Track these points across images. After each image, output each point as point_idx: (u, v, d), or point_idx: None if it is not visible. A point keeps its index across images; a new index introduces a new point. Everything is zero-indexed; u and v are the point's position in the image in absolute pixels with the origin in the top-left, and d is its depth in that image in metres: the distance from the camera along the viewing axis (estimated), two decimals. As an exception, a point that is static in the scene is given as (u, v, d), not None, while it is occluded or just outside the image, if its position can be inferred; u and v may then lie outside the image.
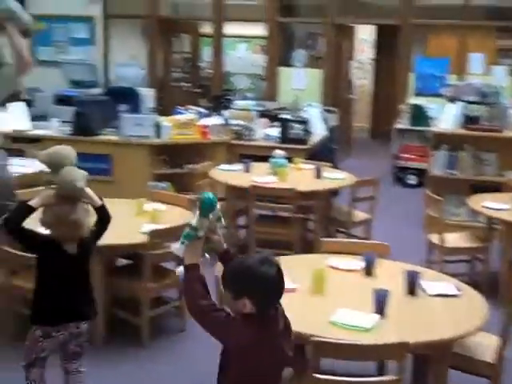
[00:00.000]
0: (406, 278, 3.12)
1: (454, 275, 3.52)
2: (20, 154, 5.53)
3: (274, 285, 2.15)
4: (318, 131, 7.66)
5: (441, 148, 6.64)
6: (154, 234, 3.85)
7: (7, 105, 6.36)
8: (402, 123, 8.85)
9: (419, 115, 8.62)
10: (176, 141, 6.64)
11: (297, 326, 2.63)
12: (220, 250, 2.37)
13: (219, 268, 2.45)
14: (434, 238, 5.00)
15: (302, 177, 5.70)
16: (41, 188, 3.52)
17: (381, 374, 3.37)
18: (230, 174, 5.73)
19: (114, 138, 6.65)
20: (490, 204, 4.99)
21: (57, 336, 2.89)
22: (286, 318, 2.25)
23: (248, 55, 11.96)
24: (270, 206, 5.37)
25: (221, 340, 2.18)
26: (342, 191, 6.20)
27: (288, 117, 7.25)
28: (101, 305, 3.94)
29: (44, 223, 2.85)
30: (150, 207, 4.42)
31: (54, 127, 6.81)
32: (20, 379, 2.97)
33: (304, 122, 7.00)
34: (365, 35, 13.36)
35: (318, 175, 5.63)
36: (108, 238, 3.12)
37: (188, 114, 7.29)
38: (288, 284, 3.03)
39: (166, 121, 6.76)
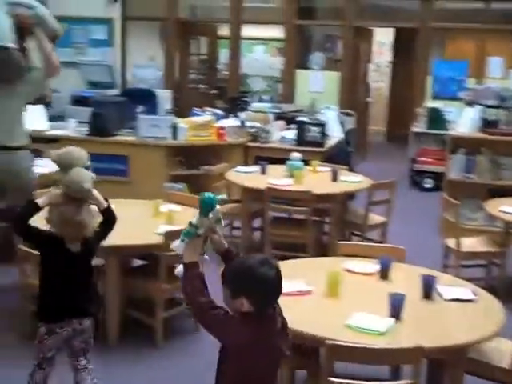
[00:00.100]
0: (422, 282, 3.10)
1: (470, 280, 3.50)
2: (38, 154, 5.56)
3: (273, 286, 2.17)
4: (335, 134, 7.65)
5: (458, 152, 6.59)
6: (168, 235, 3.86)
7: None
8: (419, 126, 8.79)
9: (436, 118, 8.56)
10: (192, 142, 6.66)
11: (311, 329, 2.63)
12: (221, 249, 2.38)
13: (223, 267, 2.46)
14: (451, 243, 4.96)
15: (318, 179, 5.68)
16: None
17: (395, 378, 3.35)
18: (246, 175, 5.73)
19: (130, 138, 6.67)
20: (507, 208, 4.95)
21: (60, 332, 2.93)
22: (283, 317, 2.26)
23: (265, 57, 11.96)
24: (286, 208, 5.35)
25: (219, 338, 2.20)
26: (358, 194, 6.17)
27: (305, 119, 7.25)
28: (115, 305, 3.99)
29: (49, 222, 2.90)
30: (166, 208, 4.43)
31: (71, 128, 6.86)
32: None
33: (321, 124, 6.99)
34: (383, 38, 13.32)
35: (335, 178, 5.61)
36: (124, 239, 3.14)
37: (204, 116, 7.30)
38: (303, 286, 3.06)
39: (182, 122, 6.78)
